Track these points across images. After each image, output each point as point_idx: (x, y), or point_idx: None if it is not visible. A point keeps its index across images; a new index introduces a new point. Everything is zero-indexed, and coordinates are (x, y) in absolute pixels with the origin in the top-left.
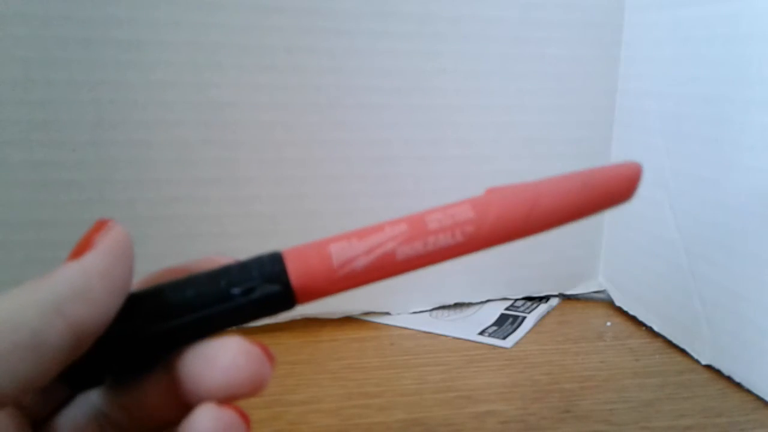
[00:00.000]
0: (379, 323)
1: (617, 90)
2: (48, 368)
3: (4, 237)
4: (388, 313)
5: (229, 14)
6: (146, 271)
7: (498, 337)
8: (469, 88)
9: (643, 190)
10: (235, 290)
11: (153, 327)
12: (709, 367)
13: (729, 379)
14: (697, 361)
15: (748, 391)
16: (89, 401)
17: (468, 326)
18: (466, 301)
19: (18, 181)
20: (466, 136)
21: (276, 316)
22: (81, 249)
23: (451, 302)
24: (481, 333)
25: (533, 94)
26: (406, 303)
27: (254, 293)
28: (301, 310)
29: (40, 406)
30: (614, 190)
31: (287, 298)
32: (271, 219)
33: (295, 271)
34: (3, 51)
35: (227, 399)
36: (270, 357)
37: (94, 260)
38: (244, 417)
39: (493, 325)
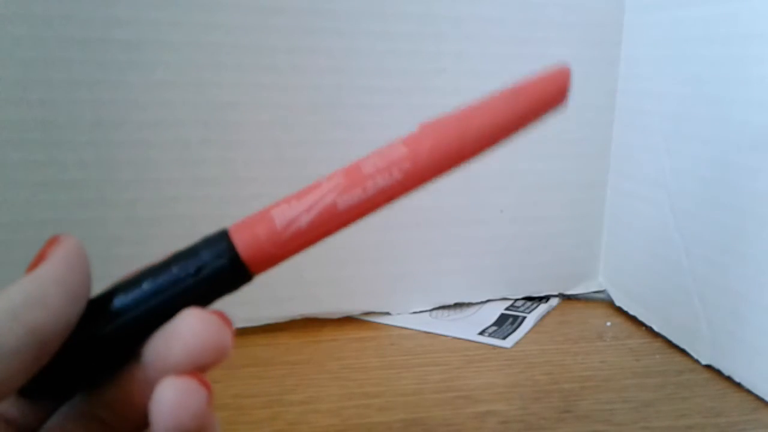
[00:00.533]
0: (379, 323)
1: (617, 90)
2: (13, 373)
3: (4, 237)
4: (388, 313)
5: (229, 14)
6: None
7: (498, 337)
8: (469, 88)
9: (643, 190)
10: (187, 272)
11: (114, 325)
12: (709, 367)
13: (729, 379)
14: (697, 361)
15: (748, 391)
16: (75, 406)
17: (468, 326)
18: (466, 301)
19: (18, 181)
20: None
21: (268, 317)
22: (35, 263)
23: (451, 302)
24: (481, 333)
25: None
26: (406, 303)
27: (203, 271)
28: (301, 310)
29: (28, 417)
30: (546, 97)
31: (239, 269)
32: None
33: (241, 243)
34: (3, 51)
35: (195, 370)
36: (227, 322)
37: (47, 269)
38: (204, 383)
39: (493, 325)
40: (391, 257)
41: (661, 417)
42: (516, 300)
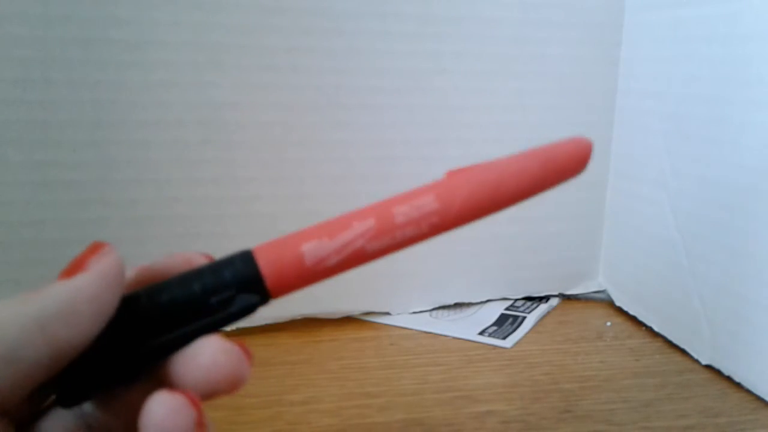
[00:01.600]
0: (379, 323)
1: (617, 90)
2: (24, 381)
3: (4, 237)
4: (388, 313)
5: (229, 14)
6: None
7: (498, 337)
8: (469, 88)
9: (643, 190)
10: (213, 300)
11: (136, 343)
12: (709, 367)
13: (729, 379)
14: (697, 361)
15: (748, 391)
16: (76, 409)
17: (468, 326)
18: (466, 301)
19: (18, 181)
20: (467, 136)
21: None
22: (73, 269)
23: (451, 302)
24: (481, 333)
25: (533, 94)
26: (406, 303)
27: (233, 306)
28: (300, 310)
29: (25, 410)
30: (569, 167)
31: (264, 300)
32: (271, 219)
33: (269, 274)
34: (3, 51)
35: (208, 396)
36: (248, 354)
37: (84, 283)
38: (195, 403)
39: (493, 325)
40: (391, 257)
41: (661, 417)
42: (516, 300)
